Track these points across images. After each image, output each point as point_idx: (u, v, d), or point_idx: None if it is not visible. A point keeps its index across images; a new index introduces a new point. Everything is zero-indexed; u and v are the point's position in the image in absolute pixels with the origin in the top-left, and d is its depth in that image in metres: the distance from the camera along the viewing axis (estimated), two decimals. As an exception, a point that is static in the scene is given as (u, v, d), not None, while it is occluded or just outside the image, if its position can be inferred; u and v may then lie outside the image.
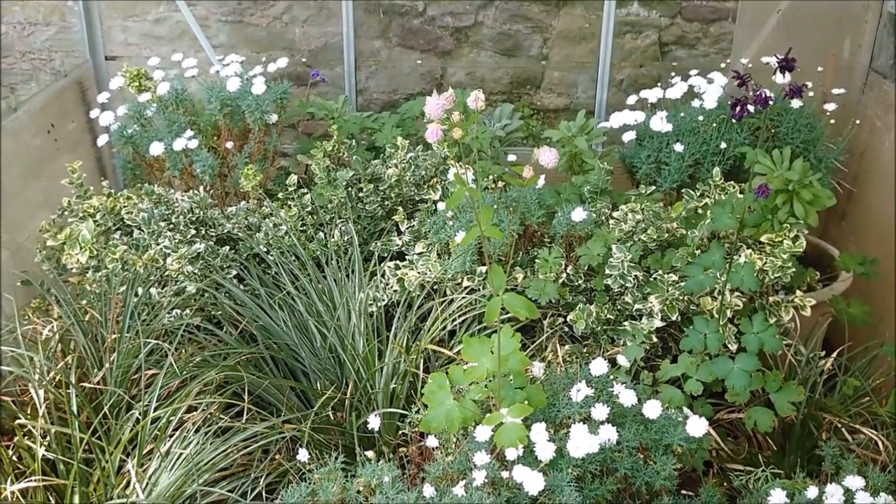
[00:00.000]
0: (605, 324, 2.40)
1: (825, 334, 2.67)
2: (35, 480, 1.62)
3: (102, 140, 2.93)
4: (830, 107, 2.87)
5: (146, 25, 4.29)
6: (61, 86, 3.16)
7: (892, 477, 1.81)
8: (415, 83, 4.29)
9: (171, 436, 1.85)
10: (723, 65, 3.45)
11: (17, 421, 1.78)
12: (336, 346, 2.28)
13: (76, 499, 1.64)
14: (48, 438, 1.75)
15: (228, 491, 1.76)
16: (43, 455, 1.70)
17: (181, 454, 1.78)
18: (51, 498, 1.65)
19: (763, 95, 1.86)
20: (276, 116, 2.89)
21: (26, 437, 1.77)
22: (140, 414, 1.87)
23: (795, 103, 2.81)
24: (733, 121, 2.72)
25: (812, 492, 1.69)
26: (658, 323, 2.31)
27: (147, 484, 1.68)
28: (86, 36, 3.38)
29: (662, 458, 1.79)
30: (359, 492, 1.60)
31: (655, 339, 2.33)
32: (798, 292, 2.45)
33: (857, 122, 2.91)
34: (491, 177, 2.68)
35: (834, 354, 2.34)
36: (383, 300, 2.50)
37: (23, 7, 4.31)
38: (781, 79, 1.92)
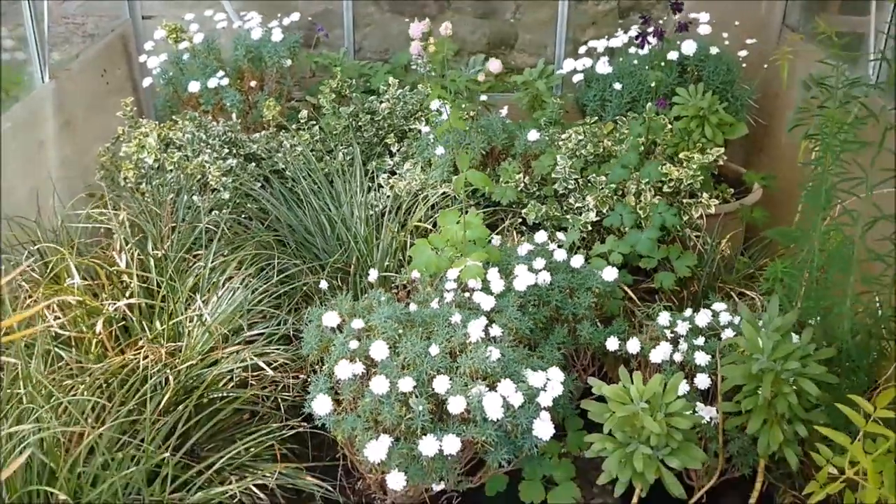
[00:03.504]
0: (554, 219, 3.05)
1: (746, 236, 3.33)
2: (135, 299, 2.28)
3: (147, 82, 3.57)
4: (743, 53, 3.52)
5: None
6: (108, 40, 3.79)
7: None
8: (403, 43, 4.92)
9: (222, 287, 2.51)
10: (661, 21, 4.10)
11: (113, 268, 2.44)
12: (343, 234, 2.93)
13: (164, 315, 2.30)
14: (134, 280, 2.40)
15: (263, 318, 2.43)
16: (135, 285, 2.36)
17: (231, 295, 2.43)
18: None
19: (658, 29, 2.52)
20: (290, 61, 3.53)
21: (118, 283, 2.42)
22: (199, 270, 2.52)
23: (713, 49, 3.47)
24: (641, 47, 3.29)
25: (687, 311, 2.36)
26: (593, 216, 2.96)
27: (209, 310, 2.34)
28: (126, -2, 4.00)
29: (584, 294, 2.46)
30: (363, 308, 2.25)
31: (591, 229, 2.98)
32: (704, 195, 3.10)
33: (766, 66, 3.56)
34: (465, 108, 3.32)
35: (725, 239, 2.99)
36: (378, 206, 3.15)
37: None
38: (674, 17, 2.58)
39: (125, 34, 3.92)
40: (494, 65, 2.31)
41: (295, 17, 3.66)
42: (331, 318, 2.14)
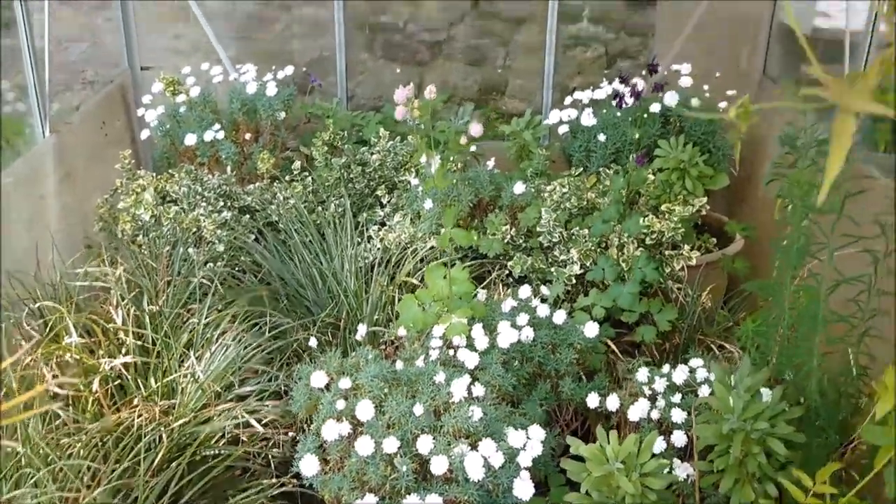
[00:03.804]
0: (539, 271, 3.13)
1: (728, 286, 3.41)
2: (131, 357, 2.36)
3: (144, 134, 3.67)
4: (722, 104, 3.63)
5: (166, 41, 5.03)
6: (108, 91, 3.89)
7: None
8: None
9: (215, 342, 2.58)
10: (643, 72, 4.22)
11: (110, 324, 2.52)
12: (334, 287, 3.01)
13: (158, 372, 2.38)
14: (129, 336, 2.48)
15: (255, 374, 2.50)
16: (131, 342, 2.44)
17: (224, 352, 2.51)
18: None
19: (636, 90, 2.62)
20: (284, 114, 3.63)
21: (115, 340, 2.50)
22: (192, 326, 2.60)
23: (694, 101, 3.57)
24: (619, 108, 3.40)
25: (665, 368, 2.44)
26: (577, 269, 3.05)
27: (202, 367, 2.42)
28: (125, 49, 4.10)
29: (566, 350, 2.54)
30: (350, 365, 2.33)
31: (575, 282, 3.07)
32: (686, 248, 3.19)
33: (741, 134, 3.66)
34: (453, 160, 3.42)
35: (706, 291, 3.07)
36: (368, 258, 3.23)
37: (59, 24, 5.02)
38: (650, 77, 2.68)
39: (124, 85, 4.02)
40: (475, 129, 2.41)
41: (289, 70, 3.76)
42: (319, 379, 2.22)
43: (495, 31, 5.15)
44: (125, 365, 2.36)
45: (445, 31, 5.11)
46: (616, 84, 3.55)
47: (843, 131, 0.93)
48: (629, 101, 2.79)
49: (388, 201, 3.48)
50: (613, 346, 2.85)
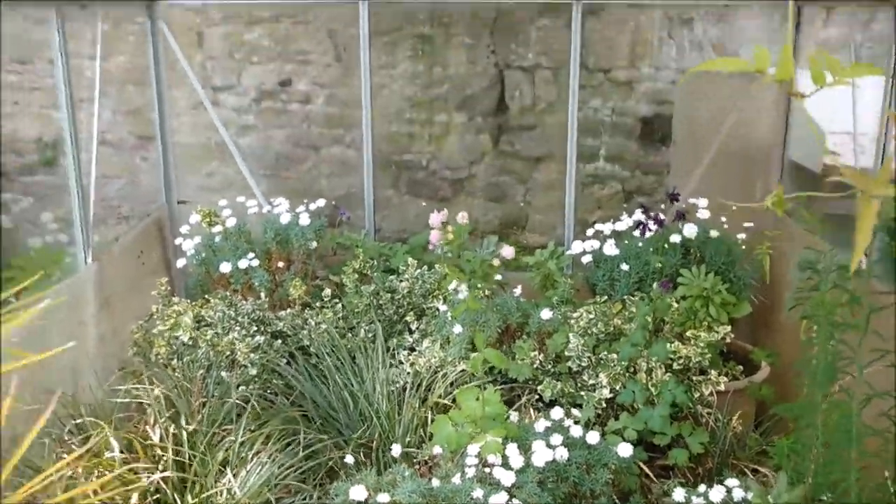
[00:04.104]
0: (569, 395, 3.16)
1: (757, 412, 3.42)
2: (169, 472, 2.38)
3: (180, 263, 3.80)
4: (741, 236, 3.74)
5: (200, 178, 5.25)
6: (145, 225, 4.05)
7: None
8: (420, 225, 5.20)
9: (250, 461, 2.61)
10: (662, 206, 4.37)
11: (148, 441, 2.55)
12: (365, 409, 3.04)
13: (196, 488, 2.39)
14: (168, 453, 2.51)
15: (288, 492, 2.51)
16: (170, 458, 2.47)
17: (259, 470, 2.53)
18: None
19: (658, 218, 2.73)
20: (315, 243, 3.76)
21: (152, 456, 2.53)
22: (228, 444, 2.63)
23: (713, 233, 3.69)
24: (642, 236, 3.52)
25: (701, 488, 2.43)
26: (606, 393, 3.08)
27: (238, 484, 2.43)
28: (163, 185, 4.29)
29: (601, 470, 2.54)
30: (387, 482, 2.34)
31: (605, 405, 3.09)
32: (713, 373, 3.22)
33: (769, 249, 3.77)
34: (481, 287, 3.51)
35: (736, 416, 3.08)
36: (399, 382, 3.28)
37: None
38: (671, 206, 2.80)
39: (160, 218, 4.18)
40: (507, 251, 2.53)
41: (321, 203, 3.93)
42: (358, 492, 2.23)
43: (515, 169, 5.35)
44: (163, 480, 2.38)
45: (467, 169, 5.32)
46: (638, 214, 3.69)
47: (868, 213, 1.06)
48: (652, 228, 2.92)
49: (417, 327, 3.55)
50: (647, 470, 2.85)
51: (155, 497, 2.39)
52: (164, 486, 2.39)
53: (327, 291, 3.62)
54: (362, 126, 4.17)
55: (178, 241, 3.82)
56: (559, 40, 5.00)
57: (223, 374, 3.19)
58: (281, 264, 3.71)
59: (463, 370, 3.24)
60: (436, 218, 2.46)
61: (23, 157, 5.62)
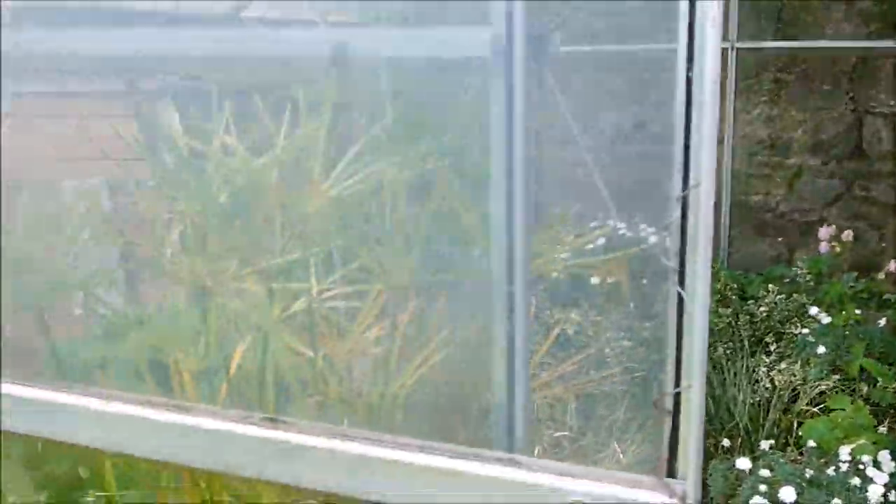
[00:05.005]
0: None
1: None
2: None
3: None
4: None
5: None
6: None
7: None
8: (765, 262, 5.33)
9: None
10: None
11: None
12: (725, 416, 3.31)
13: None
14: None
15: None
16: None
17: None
18: None
19: None
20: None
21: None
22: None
23: None
24: None
25: None
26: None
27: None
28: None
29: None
30: None
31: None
32: None
33: None
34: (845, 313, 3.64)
35: None
36: (756, 397, 3.50)
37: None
38: None
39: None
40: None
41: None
42: (743, 463, 2.52)
43: (869, 214, 5.31)
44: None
45: (818, 213, 5.38)
46: None
47: None
48: None
49: (775, 349, 3.75)
50: None
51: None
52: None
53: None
54: (722, 166, 4.47)
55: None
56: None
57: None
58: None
59: (821, 391, 3.40)
60: (825, 231, 2.73)
61: None
